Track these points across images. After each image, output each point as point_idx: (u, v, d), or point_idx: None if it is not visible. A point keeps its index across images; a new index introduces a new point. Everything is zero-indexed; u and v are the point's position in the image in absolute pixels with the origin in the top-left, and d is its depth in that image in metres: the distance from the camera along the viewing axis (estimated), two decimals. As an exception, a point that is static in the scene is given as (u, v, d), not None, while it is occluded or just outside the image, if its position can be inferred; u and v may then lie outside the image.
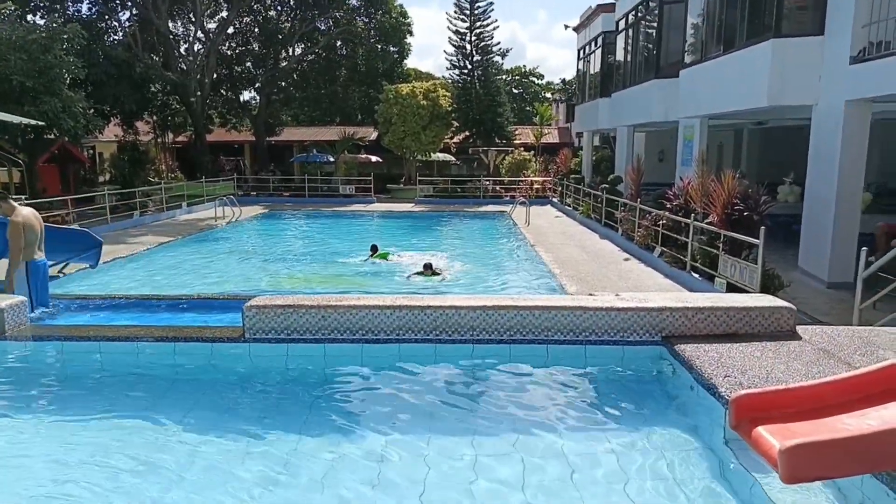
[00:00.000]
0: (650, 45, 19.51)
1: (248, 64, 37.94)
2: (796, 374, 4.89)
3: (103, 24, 31.40)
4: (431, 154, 32.56)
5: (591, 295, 7.23)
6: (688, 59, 16.06)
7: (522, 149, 33.97)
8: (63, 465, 4.70)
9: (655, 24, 18.77)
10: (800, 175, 14.99)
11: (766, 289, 8.54)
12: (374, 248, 14.65)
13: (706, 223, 10.69)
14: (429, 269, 12.21)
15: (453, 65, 32.25)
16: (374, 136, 35.59)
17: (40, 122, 19.01)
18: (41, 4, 29.21)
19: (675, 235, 12.18)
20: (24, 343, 6.68)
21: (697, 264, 10.77)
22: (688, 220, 11.14)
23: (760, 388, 4.30)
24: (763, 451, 3.71)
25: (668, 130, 20.28)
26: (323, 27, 36.40)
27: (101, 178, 30.86)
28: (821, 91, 11.14)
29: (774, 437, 3.69)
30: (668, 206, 12.75)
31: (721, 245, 9.95)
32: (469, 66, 31.74)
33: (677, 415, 5.22)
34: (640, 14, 19.99)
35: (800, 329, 6.11)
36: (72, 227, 14.56)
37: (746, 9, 12.81)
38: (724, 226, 10.07)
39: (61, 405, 5.77)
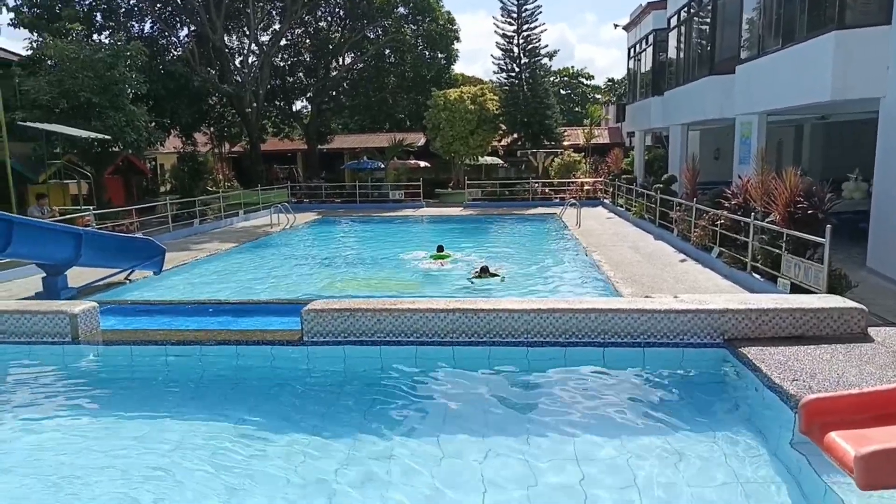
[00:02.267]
0: (703, 42, 19.02)
1: (300, 74, 38.82)
2: (869, 378, 4.69)
3: (163, 41, 32.74)
4: (479, 158, 32.55)
5: (647, 297, 7.11)
6: (744, 54, 15.58)
7: (572, 150, 33.61)
8: (134, 463, 4.90)
9: (709, 20, 18.29)
10: (866, 171, 14.34)
11: (832, 289, 8.18)
12: (440, 248, 14.75)
13: (767, 222, 10.33)
14: (486, 272, 12.20)
15: (501, 68, 32.17)
16: (422, 141, 35.85)
17: (106, 136, 19.96)
18: (106, 24, 30.68)
19: (733, 235, 11.81)
20: (96, 347, 7.01)
21: (758, 265, 10.41)
22: (748, 220, 10.79)
23: (832, 392, 4.15)
24: (837, 457, 3.57)
25: (724, 128, 19.71)
26: (372, 36, 36.93)
27: (161, 189, 32.10)
28: (889, 83, 10.63)
29: (849, 442, 3.56)
30: (727, 205, 12.37)
31: (784, 245, 9.59)
32: (517, 69, 31.59)
33: (742, 418, 5.08)
34: (692, 10, 19.52)
35: (871, 331, 5.85)
36: (136, 235, 15.18)
37: (806, 1, 12.36)
38: (786, 224, 9.70)
39: (131, 406, 6.02)
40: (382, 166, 33.22)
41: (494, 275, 12.25)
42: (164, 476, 4.68)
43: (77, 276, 11.23)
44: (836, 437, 3.67)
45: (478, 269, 12.46)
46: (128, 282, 12.04)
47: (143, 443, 5.25)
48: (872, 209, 11.04)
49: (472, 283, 12.13)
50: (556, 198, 28.70)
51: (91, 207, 18.54)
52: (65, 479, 4.74)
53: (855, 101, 11.46)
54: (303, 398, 6.10)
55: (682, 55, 20.78)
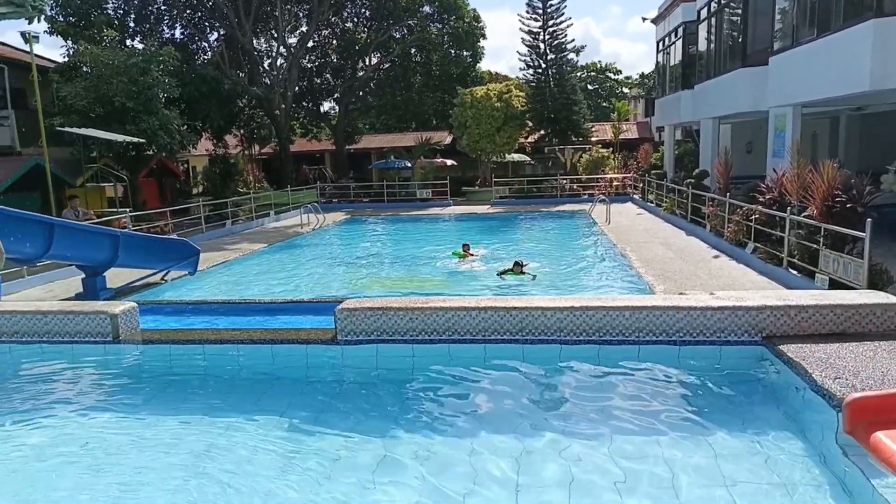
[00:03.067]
0: (735, 33, 18.66)
1: (328, 75, 39.14)
2: (917, 376, 4.56)
3: (194, 46, 33.30)
4: (506, 155, 32.47)
5: (682, 294, 7.02)
6: (777, 45, 15.26)
7: (600, 146, 33.31)
8: (174, 461, 5.01)
9: (740, 11, 17.95)
10: (906, 163, 13.93)
11: (873, 285, 7.98)
12: (465, 247, 14.73)
13: (804, 216, 10.11)
14: (518, 267, 12.16)
15: (527, 65, 32.04)
16: (448, 140, 35.87)
17: (141, 140, 20.40)
18: (139, 30, 31.32)
19: (769, 230, 11.59)
20: (136, 346, 7.18)
21: (795, 260, 10.20)
22: (784, 214, 10.57)
23: (877, 391, 4.05)
24: (884, 458, 3.49)
25: (756, 121, 19.33)
26: (398, 35, 37.07)
27: (194, 191, 32.69)
28: (931, 71, 10.33)
29: (896, 442, 3.47)
30: (761, 199, 12.14)
31: (821, 239, 9.38)
32: (543, 65, 31.42)
33: (783, 418, 4.98)
34: (723, 1, 19.17)
35: (917, 327, 5.69)
36: (171, 236, 15.49)
37: (843, -12, 12.06)
38: (823, 219, 9.49)
39: (169, 404, 6.15)
40: (409, 165, 33.33)
41: (524, 273, 12.21)
42: (202, 474, 4.77)
43: (115, 276, 11.50)
44: (882, 438, 3.58)
45: (509, 266, 12.42)
46: (164, 282, 12.30)
47: (182, 441, 5.35)
48: (914, 202, 10.73)
49: (503, 278, 12.11)
50: (584, 194, 28.48)
51: (127, 210, 18.98)
52: (107, 475, 4.86)
53: (893, 91, 11.14)
54: (337, 397, 6.16)
55: (712, 47, 20.42)
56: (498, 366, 6.23)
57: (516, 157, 34.40)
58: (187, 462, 4.94)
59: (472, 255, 14.48)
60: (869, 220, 8.16)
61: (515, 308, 6.33)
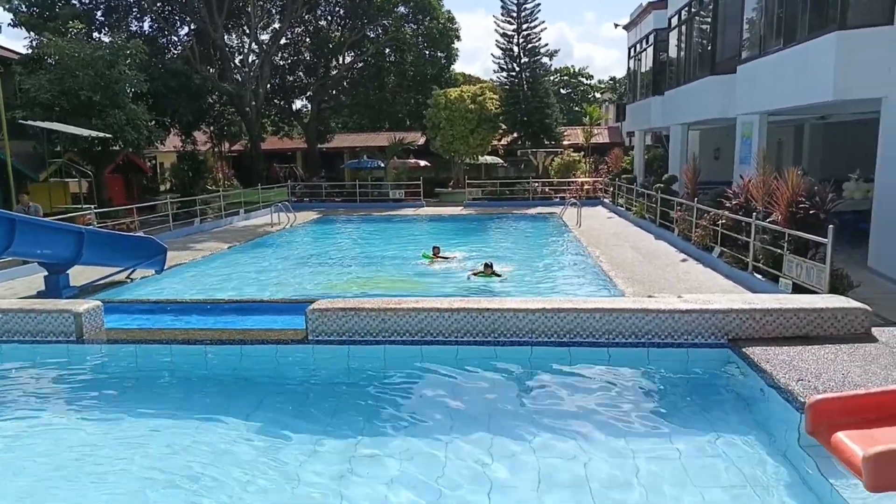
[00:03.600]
0: (704, 41, 19.03)
1: (300, 73, 38.81)
2: (875, 378, 4.70)
3: (163, 40, 32.71)
4: (479, 157, 32.57)
5: (651, 297, 7.12)
6: (745, 54, 15.60)
7: (572, 150, 33.64)
8: (137, 463, 4.90)
9: (710, 20, 18.30)
10: (866, 171, 14.37)
11: (834, 289, 8.20)
12: (436, 249, 14.68)
13: (769, 222, 10.35)
14: (489, 269, 12.21)
15: (501, 67, 32.20)
16: (422, 140, 35.86)
17: (107, 135, 19.94)
18: (106, 22, 30.63)
19: (735, 235, 11.84)
20: (101, 346, 7.01)
21: (760, 264, 10.44)
22: (749, 220, 10.81)
23: (838, 393, 4.17)
24: (844, 458, 3.59)
25: (724, 128, 19.72)
26: (372, 35, 36.94)
27: (162, 187, 32.09)
28: (892, 83, 10.65)
29: (856, 443, 3.57)
30: (728, 204, 12.40)
31: (785, 245, 9.62)
32: (517, 68, 31.61)
33: (747, 418, 5.09)
34: (693, 10, 19.53)
35: (875, 331, 5.87)
36: (138, 234, 15.18)
37: (808, 1, 12.37)
38: (788, 224, 9.73)
39: (134, 405, 6.02)
40: (382, 165, 33.22)
41: (497, 273, 12.27)
42: (168, 475, 4.69)
43: (78, 275, 11.23)
44: (843, 438, 3.69)
45: (480, 267, 12.46)
46: (129, 281, 12.05)
47: (148, 442, 5.25)
48: (874, 209, 11.07)
49: (469, 279, 12.15)
50: (556, 197, 28.72)
51: (92, 206, 18.55)
52: (69, 477, 4.75)
53: (857, 101, 11.49)
54: (308, 397, 6.11)
55: (682, 55, 20.79)
56: (470, 367, 6.25)
57: (489, 159, 34.54)
58: (154, 464, 4.85)
59: (442, 257, 14.45)
60: (831, 226, 8.38)
61: (488, 310, 6.35)
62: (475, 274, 12.35)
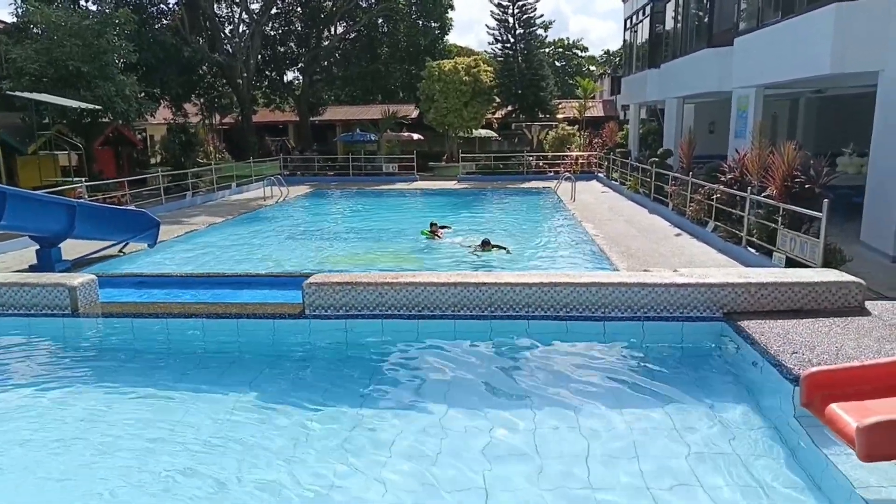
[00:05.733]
0: (701, 13, 18.83)
1: (292, 44, 38.19)
2: (868, 351, 4.76)
3: (152, 9, 32.02)
4: (473, 130, 32.33)
5: (647, 271, 7.15)
6: (742, 26, 15.46)
7: (566, 123, 33.44)
8: (134, 435, 4.93)
9: (707, -9, 18.10)
10: (860, 145, 14.37)
11: (827, 263, 8.26)
12: (433, 225, 14.42)
13: (763, 196, 10.37)
14: (487, 245, 12.21)
15: (496, 39, 31.80)
16: (415, 113, 35.52)
17: (97, 107, 19.63)
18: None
19: (729, 209, 11.87)
20: (96, 319, 6.99)
21: (754, 239, 10.49)
22: (744, 194, 10.82)
23: (832, 365, 4.22)
24: (838, 429, 3.65)
25: (719, 101, 19.62)
26: (364, 4, 36.32)
27: (152, 160, 31.72)
28: (889, 56, 10.59)
29: (850, 414, 3.63)
30: (723, 179, 12.40)
31: (780, 219, 9.65)
32: (511, 40, 31.24)
33: (742, 391, 5.15)
34: (690, -19, 19.29)
35: (868, 304, 5.93)
36: (130, 208, 15.05)
37: (807, -29, 12.24)
38: (782, 199, 9.75)
39: (131, 378, 6.03)
40: (375, 139, 32.92)
41: (500, 247, 12.28)
42: (165, 448, 4.72)
43: (71, 248, 11.15)
44: (836, 409, 3.74)
45: (479, 244, 12.44)
46: (122, 254, 11.98)
47: (144, 415, 5.28)
48: (868, 184, 11.09)
49: (478, 255, 12.14)
50: (550, 171, 28.64)
51: (83, 179, 18.34)
52: (64, 450, 4.77)
53: (853, 74, 11.43)
54: (304, 372, 6.13)
55: (679, 27, 20.58)
56: (467, 341, 6.28)
57: (483, 132, 34.30)
58: (150, 438, 4.87)
59: (439, 235, 14.32)
60: (826, 200, 8.41)
61: (484, 284, 6.36)
62: (477, 249, 12.31)
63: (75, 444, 4.86)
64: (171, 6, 32.54)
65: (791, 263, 8.97)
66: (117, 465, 4.53)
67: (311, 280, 6.58)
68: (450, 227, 14.85)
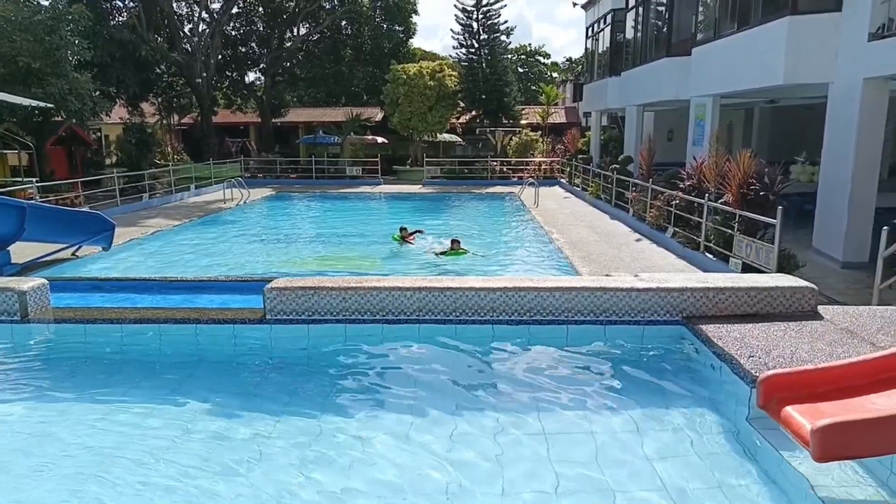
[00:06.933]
0: (661, 23, 19.28)
1: (253, 44, 37.68)
2: (821, 355, 4.90)
3: (108, 5, 31.18)
4: (438, 135, 32.39)
5: (608, 276, 7.25)
6: (700, 36, 15.88)
7: (529, 129, 33.78)
8: (88, 447, 4.75)
9: (666, 2, 18.53)
10: (812, 154, 14.88)
11: (781, 269, 8.53)
12: (403, 230, 14.14)
13: (720, 203, 10.65)
14: (457, 244, 12.20)
15: (460, 43, 31.93)
16: (379, 116, 35.40)
17: (49, 105, 18.98)
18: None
19: (688, 216, 12.15)
20: (47, 325, 6.73)
21: (711, 244, 10.75)
22: (702, 201, 11.09)
23: (788, 369, 4.33)
24: (793, 431, 3.74)
25: (678, 109, 20.11)
26: (328, 6, 36.06)
27: (107, 161, 30.82)
28: (838, 69, 11.01)
29: (804, 416, 3.72)
30: (681, 186, 12.69)
31: (736, 225, 9.92)
32: (476, 45, 31.42)
33: (700, 394, 5.25)
34: (650, -9, 19.72)
35: (821, 309, 6.11)
36: (84, 209, 14.59)
37: (762, -15, 12.63)
38: (739, 206, 10.04)
39: (85, 387, 5.81)
40: (339, 141, 32.69)
41: (463, 251, 12.30)
42: (120, 459, 4.56)
43: (20, 252, 10.75)
44: (792, 412, 3.83)
45: (447, 246, 12.43)
46: (75, 258, 11.61)
47: (99, 425, 5.09)
48: (819, 191, 11.49)
49: (439, 257, 12.13)
50: (514, 177, 28.89)
51: (34, 180, 17.71)
52: (15, 461, 4.57)
53: (805, 85, 11.84)
54: (266, 378, 6.01)
55: (639, 36, 21.01)
56: (431, 345, 6.25)
57: (447, 137, 34.40)
58: (104, 449, 4.70)
59: (410, 240, 14.09)
60: (780, 207, 8.67)
61: (449, 288, 6.35)
62: (441, 253, 12.32)
63: (23, 456, 4.66)
64: (126, 3, 31.77)
65: (747, 269, 9.23)
66: (68, 476, 4.36)
67: (272, 284, 6.47)
68: (422, 232, 14.71)
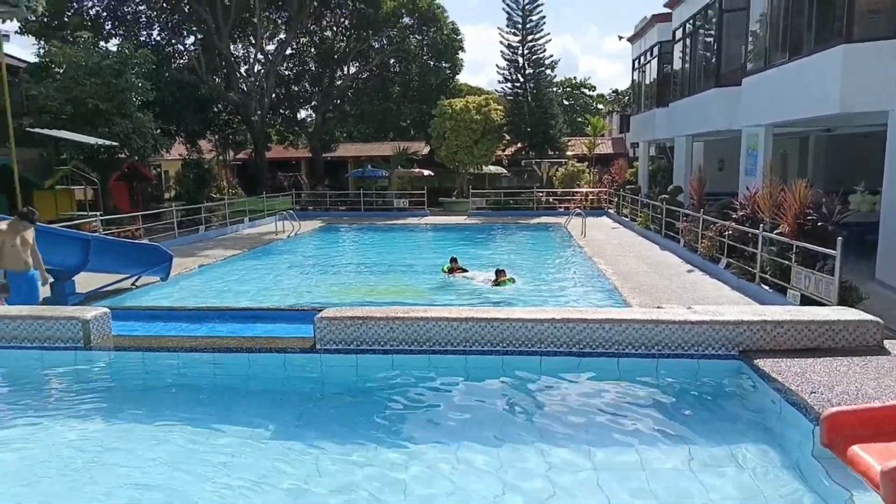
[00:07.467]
0: (709, 54, 19.11)
1: (305, 83, 38.99)
2: (888, 391, 4.67)
3: (170, 49, 32.91)
4: (483, 167, 32.64)
5: (660, 308, 7.10)
6: (750, 66, 15.66)
7: (575, 160, 33.71)
8: (145, 472, 4.87)
9: (714, 33, 18.40)
10: (872, 183, 14.35)
11: (843, 301, 8.18)
12: (454, 261, 14.03)
13: (776, 234, 10.35)
14: (503, 275, 12.21)
15: (505, 78, 32.31)
16: (426, 150, 35.94)
17: (114, 143, 20.02)
18: (115, 32, 30.84)
19: (741, 246, 11.83)
20: (108, 353, 6.99)
21: (767, 276, 10.42)
22: (756, 231, 10.80)
23: (854, 406, 4.14)
24: (861, 471, 3.56)
25: (729, 139, 19.76)
26: (377, 45, 37.13)
27: (166, 195, 32.16)
28: (897, 96, 10.67)
29: (874, 457, 3.55)
30: (734, 216, 12.40)
31: (793, 256, 9.60)
32: (521, 79, 31.73)
33: (759, 431, 5.04)
34: (697, 23, 19.63)
35: (888, 343, 5.84)
36: (143, 241, 15.20)
37: (814, 15, 12.43)
38: (795, 236, 9.73)
39: (143, 413, 5.98)
40: (386, 174, 33.28)
41: (511, 280, 12.31)
42: (175, 483, 4.66)
43: (84, 281, 11.24)
44: (859, 451, 3.66)
45: (492, 276, 12.44)
46: (134, 287, 12.05)
47: (154, 451, 5.21)
48: (882, 221, 11.05)
49: (491, 287, 12.14)
50: (560, 207, 28.75)
51: (98, 213, 18.58)
52: (74, 485, 4.72)
53: (862, 114, 11.50)
54: (316, 407, 6.08)
55: (687, 67, 20.87)
56: (478, 377, 6.22)
57: (493, 169, 34.61)
58: (160, 472, 4.82)
59: (460, 270, 13.91)
60: (840, 238, 8.37)
61: (497, 319, 6.33)
62: (495, 283, 12.30)
63: (84, 478, 4.81)
64: (188, 46, 33.44)
65: (806, 301, 8.89)
66: (124, 499, 4.47)
67: (322, 314, 6.58)
68: (467, 271, 14.47)
